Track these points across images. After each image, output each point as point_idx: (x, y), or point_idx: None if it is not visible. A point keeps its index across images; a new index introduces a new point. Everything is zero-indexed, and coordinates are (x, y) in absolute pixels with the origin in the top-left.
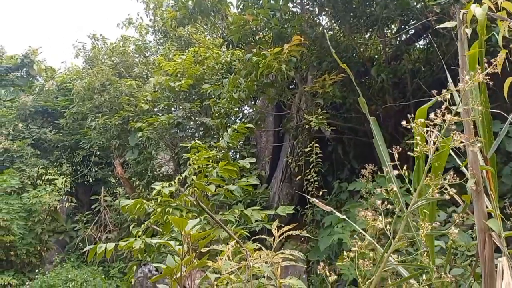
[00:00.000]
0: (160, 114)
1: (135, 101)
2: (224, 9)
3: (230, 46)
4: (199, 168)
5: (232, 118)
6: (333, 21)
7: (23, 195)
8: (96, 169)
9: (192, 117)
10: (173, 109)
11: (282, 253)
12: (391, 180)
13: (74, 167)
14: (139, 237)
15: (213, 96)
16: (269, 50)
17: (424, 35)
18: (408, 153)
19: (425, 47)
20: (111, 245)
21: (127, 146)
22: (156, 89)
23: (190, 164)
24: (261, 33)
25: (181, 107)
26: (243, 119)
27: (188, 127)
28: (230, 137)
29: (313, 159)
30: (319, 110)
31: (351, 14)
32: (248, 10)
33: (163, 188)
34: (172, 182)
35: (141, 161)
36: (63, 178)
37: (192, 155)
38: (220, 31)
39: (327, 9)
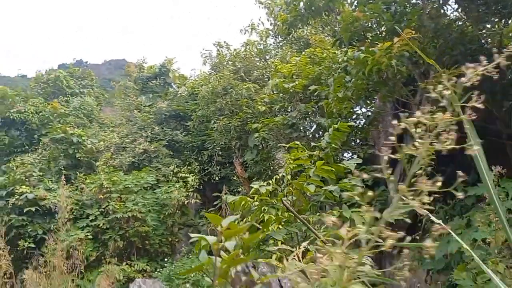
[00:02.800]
0: (276, 115)
1: (253, 103)
2: (338, 7)
3: (343, 45)
4: (297, 168)
5: (346, 118)
6: (460, 10)
7: (156, 191)
8: (220, 168)
9: (307, 118)
10: (289, 110)
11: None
12: None
13: (201, 166)
14: None
15: (324, 96)
16: (378, 46)
17: None
18: None
19: None
20: (213, 238)
21: (247, 147)
22: (273, 91)
23: (286, 164)
24: (374, 30)
25: (296, 108)
26: (357, 119)
27: (302, 127)
28: (331, 137)
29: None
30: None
31: (479, 1)
32: (360, 6)
33: (260, 187)
34: (270, 181)
35: (259, 161)
36: (193, 176)
37: (290, 155)
38: (332, 31)
39: None
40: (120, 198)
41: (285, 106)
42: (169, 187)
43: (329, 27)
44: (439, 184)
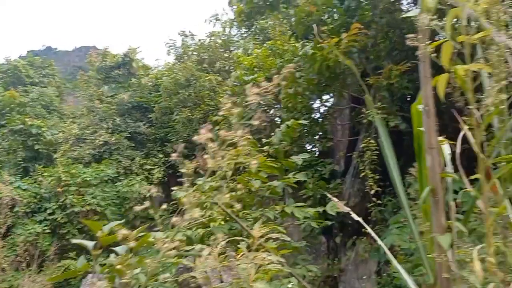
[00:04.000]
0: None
1: (215, 95)
2: (295, 0)
3: (299, 39)
4: (242, 164)
5: (302, 113)
6: (413, 5)
7: (116, 184)
8: (185, 160)
9: (267, 111)
10: None
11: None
12: None
13: (166, 159)
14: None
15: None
16: (326, 41)
17: None
18: None
19: None
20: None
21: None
22: (236, 84)
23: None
24: (329, 25)
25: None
26: (313, 113)
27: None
28: (283, 133)
29: (368, 156)
30: (379, 103)
31: None
32: (312, 0)
33: (204, 183)
34: (215, 178)
35: None
36: (157, 168)
37: (234, 151)
38: (290, 24)
39: None
40: (79, 192)
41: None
42: (130, 180)
43: (284, 20)
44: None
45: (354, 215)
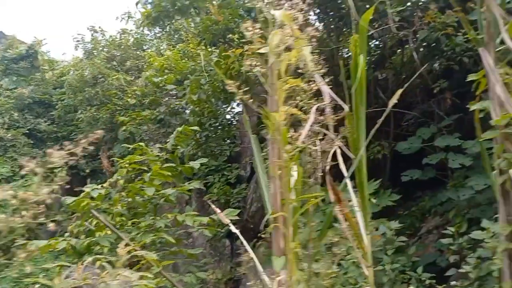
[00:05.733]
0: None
1: (123, 95)
2: (203, 7)
3: (206, 46)
4: (135, 171)
5: (209, 118)
6: (319, 21)
7: (11, 184)
8: (88, 161)
9: (177, 114)
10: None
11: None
12: None
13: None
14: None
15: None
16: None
17: None
18: None
19: None
20: (42, 242)
21: (118, 140)
22: (146, 84)
23: (121, 167)
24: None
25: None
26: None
27: (172, 123)
28: (176, 139)
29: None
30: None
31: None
32: (220, 10)
33: (92, 190)
34: (105, 185)
35: None
36: (59, 168)
37: (125, 159)
38: (197, 30)
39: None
40: None
41: (157, 100)
42: (26, 180)
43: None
44: None
45: (232, 227)
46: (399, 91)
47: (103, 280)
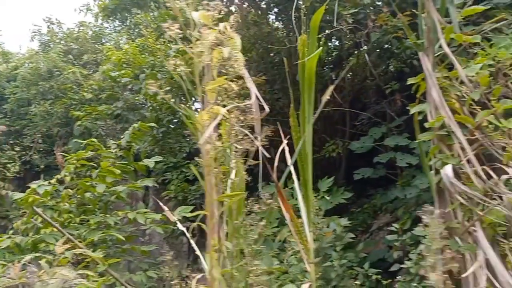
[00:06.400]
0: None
1: (79, 89)
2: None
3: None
4: (84, 168)
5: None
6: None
7: None
8: (42, 156)
9: (135, 110)
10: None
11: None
12: None
13: (23, 153)
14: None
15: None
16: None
17: None
18: None
19: None
20: None
21: (73, 135)
22: (103, 79)
23: (69, 163)
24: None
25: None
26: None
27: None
28: (131, 135)
29: None
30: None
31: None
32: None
33: (39, 186)
34: (52, 181)
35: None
36: (13, 163)
37: (72, 155)
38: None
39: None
40: None
41: (115, 95)
42: None
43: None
44: None
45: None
46: (331, 88)
47: (40, 278)
